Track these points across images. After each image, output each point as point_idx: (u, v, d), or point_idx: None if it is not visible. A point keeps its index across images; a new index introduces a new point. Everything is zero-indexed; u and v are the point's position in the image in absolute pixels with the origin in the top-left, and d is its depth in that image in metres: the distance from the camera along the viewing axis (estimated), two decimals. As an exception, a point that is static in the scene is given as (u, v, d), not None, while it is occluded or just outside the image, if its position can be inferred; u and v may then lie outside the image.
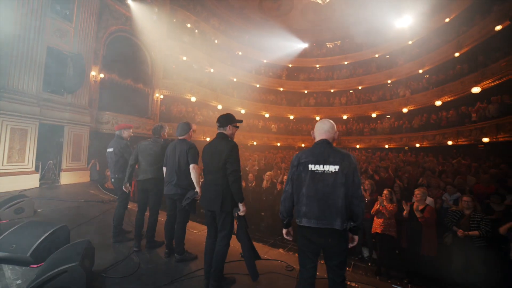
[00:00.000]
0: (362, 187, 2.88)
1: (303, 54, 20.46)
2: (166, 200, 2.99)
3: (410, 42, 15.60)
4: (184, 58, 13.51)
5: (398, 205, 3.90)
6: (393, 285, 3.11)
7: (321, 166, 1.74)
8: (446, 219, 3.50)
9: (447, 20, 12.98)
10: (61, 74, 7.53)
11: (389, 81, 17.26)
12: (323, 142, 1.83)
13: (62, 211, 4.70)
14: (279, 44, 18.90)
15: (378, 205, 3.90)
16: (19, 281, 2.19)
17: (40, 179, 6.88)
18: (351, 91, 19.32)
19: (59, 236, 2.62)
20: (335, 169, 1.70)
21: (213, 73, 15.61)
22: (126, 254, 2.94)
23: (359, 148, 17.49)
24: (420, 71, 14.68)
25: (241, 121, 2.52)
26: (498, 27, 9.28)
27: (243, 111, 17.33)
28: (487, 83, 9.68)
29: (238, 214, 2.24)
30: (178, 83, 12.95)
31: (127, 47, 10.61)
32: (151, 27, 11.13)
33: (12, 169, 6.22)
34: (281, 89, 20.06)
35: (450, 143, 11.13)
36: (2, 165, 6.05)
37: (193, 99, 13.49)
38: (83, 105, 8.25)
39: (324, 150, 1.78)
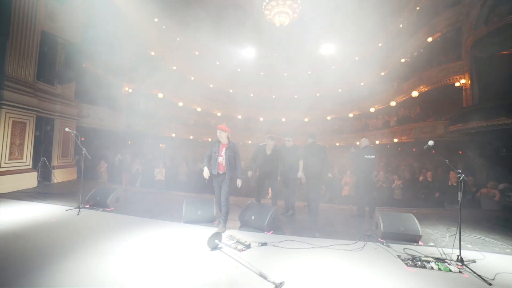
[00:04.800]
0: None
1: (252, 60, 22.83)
2: None
3: (333, 68, 20.61)
4: (152, 54, 13.20)
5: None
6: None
7: None
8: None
9: (380, 44, 17.51)
10: (53, 62, 6.85)
11: (318, 94, 22.23)
12: None
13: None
14: (231, 49, 20.40)
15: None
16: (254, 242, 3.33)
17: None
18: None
19: (276, 214, 3.99)
20: None
21: (176, 71, 15.68)
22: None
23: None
24: (340, 90, 19.92)
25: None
26: (402, 60, 14.01)
27: (199, 109, 18.06)
28: (399, 98, 14.55)
29: None
30: (146, 78, 12.64)
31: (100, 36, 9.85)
32: (120, 15, 10.59)
33: (13, 167, 5.60)
34: (231, 91, 21.78)
35: (377, 142, 15.70)
36: (5, 163, 5.41)
37: (160, 95, 13.41)
38: (71, 96, 7.61)
39: None
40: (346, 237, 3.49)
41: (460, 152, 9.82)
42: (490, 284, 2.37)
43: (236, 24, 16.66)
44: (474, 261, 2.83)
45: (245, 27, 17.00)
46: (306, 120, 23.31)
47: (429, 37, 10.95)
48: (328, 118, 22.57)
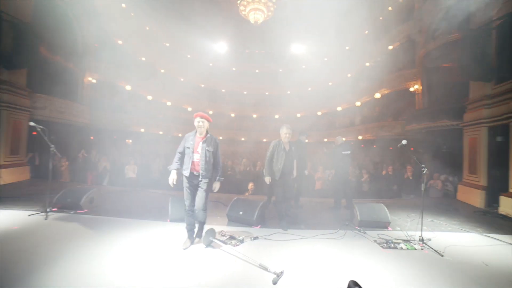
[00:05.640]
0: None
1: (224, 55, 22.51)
2: None
3: (303, 67, 21.46)
4: (120, 42, 12.19)
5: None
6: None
7: None
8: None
9: (347, 48, 18.45)
10: None
11: (288, 92, 22.91)
12: None
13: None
14: (203, 43, 19.86)
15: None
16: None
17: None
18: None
19: (263, 209, 4.11)
20: None
21: (145, 62, 14.73)
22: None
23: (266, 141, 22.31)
24: (309, 89, 20.85)
25: None
26: (367, 64, 15.18)
27: (169, 103, 17.32)
28: (363, 99, 15.73)
29: None
30: (111, 68, 11.67)
31: (57, 17, 8.80)
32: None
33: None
34: (202, 85, 21.26)
35: (344, 139, 16.93)
36: None
37: (128, 87, 12.51)
38: (22, 85, 6.70)
39: None
40: (328, 227, 3.83)
41: (412, 149, 11.18)
42: (442, 256, 2.95)
43: (209, 18, 16.22)
44: (430, 239, 3.38)
45: (218, 21, 16.67)
46: (276, 117, 23.92)
47: (390, 45, 12.16)
48: (298, 115, 23.49)
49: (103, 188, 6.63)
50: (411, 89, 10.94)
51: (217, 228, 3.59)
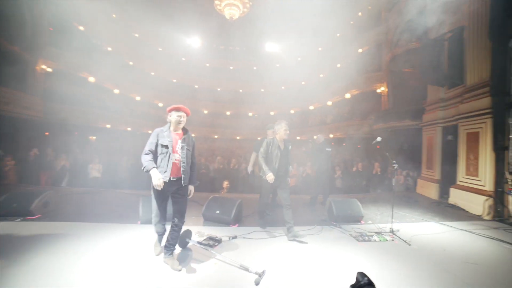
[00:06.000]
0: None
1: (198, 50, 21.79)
2: None
3: (277, 66, 21.71)
4: (81, 28, 11.02)
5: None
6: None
7: None
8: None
9: (320, 49, 18.96)
10: None
11: (262, 90, 23.02)
12: None
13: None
14: (176, 36, 19.01)
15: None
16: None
17: None
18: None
19: (240, 207, 4.00)
20: None
21: (111, 53, 13.57)
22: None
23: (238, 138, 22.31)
24: (283, 87, 21.19)
25: None
26: (338, 65, 15.92)
27: (138, 98, 16.30)
28: (334, 99, 16.30)
29: None
30: (71, 56, 10.54)
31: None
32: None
33: None
34: (174, 80, 20.38)
35: (315, 137, 17.50)
36: None
37: (91, 79, 11.43)
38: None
39: None
40: (306, 223, 3.89)
41: (378, 147, 12.01)
42: (410, 245, 3.18)
43: (183, 10, 15.56)
44: (398, 230, 3.63)
45: (192, 15, 16.06)
46: (250, 114, 23.94)
47: (359, 48, 12.85)
48: (271, 113, 23.76)
49: (62, 190, 5.96)
50: (378, 90, 11.71)
51: (193, 229, 3.42)
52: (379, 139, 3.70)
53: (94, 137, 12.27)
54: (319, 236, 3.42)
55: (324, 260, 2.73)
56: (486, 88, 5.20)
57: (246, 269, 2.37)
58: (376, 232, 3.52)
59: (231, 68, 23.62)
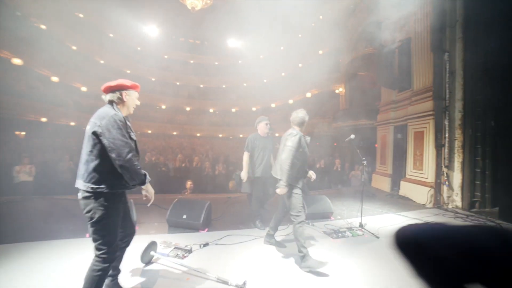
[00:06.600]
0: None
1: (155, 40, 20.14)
2: None
3: (239, 62, 21.48)
4: (18, 13, 8.93)
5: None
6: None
7: None
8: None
9: (282, 48, 19.22)
10: None
11: (224, 86, 22.55)
12: None
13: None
14: (131, 23, 17.18)
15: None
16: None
17: None
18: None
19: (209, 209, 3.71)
20: None
21: (49, 34, 11.42)
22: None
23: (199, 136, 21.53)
24: (245, 84, 21.09)
25: None
26: (300, 65, 16.49)
27: (84, 89, 14.28)
28: (296, 98, 16.73)
29: None
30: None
31: None
32: None
33: None
34: (128, 71, 18.49)
35: (277, 134, 17.69)
36: None
37: (16, 61, 9.44)
38: None
39: None
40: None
41: (335, 144, 12.82)
42: (378, 238, 3.34)
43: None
44: (365, 224, 3.80)
45: (150, 1, 14.67)
46: (211, 111, 23.30)
47: (320, 50, 13.45)
48: (233, 110, 23.51)
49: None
50: (337, 91, 12.46)
51: (157, 238, 3.01)
52: (352, 136, 3.81)
53: (23, 133, 10.22)
54: (293, 235, 3.36)
55: (300, 258, 2.64)
56: (429, 93, 5.86)
57: (225, 282, 2.12)
58: (347, 228, 3.62)
59: (192, 62, 22.55)
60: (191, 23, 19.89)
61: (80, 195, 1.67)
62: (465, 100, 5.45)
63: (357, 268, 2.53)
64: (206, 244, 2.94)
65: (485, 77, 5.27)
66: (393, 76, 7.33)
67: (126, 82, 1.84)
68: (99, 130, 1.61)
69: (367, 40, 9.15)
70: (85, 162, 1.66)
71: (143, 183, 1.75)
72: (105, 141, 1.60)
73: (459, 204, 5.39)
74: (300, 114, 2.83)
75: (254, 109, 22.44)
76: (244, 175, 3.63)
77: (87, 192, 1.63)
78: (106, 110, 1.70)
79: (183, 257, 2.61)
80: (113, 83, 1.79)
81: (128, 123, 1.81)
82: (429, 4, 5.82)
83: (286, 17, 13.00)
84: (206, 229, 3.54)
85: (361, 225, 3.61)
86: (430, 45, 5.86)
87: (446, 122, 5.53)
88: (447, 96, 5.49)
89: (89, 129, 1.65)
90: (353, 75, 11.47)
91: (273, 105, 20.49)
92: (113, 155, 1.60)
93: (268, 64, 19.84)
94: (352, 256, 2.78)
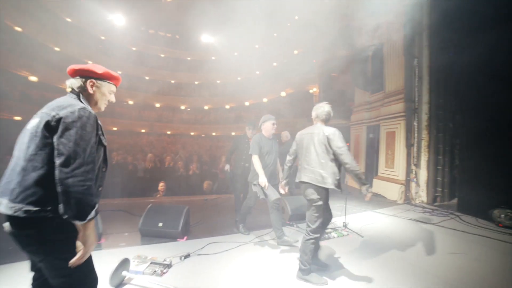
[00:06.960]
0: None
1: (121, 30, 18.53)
2: None
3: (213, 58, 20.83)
4: None
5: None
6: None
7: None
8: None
9: (256, 46, 18.86)
10: None
11: (196, 82, 21.73)
12: None
13: None
14: (94, 8, 15.50)
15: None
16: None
17: None
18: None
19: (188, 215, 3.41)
20: None
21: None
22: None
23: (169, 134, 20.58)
24: (218, 81, 20.58)
25: None
26: (275, 64, 16.40)
27: (34, 79, 12.53)
28: (270, 96, 16.68)
29: None
30: None
31: None
32: None
33: None
34: (89, 62, 16.73)
35: (233, 133, 17.44)
36: None
37: None
38: None
39: None
40: (263, 227, 3.63)
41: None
42: (362, 237, 3.35)
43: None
44: (348, 223, 3.82)
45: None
46: (182, 107, 22.33)
47: (295, 50, 13.60)
48: (206, 107, 22.82)
49: None
50: (311, 91, 12.73)
51: (129, 252, 2.62)
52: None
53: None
54: (280, 239, 3.21)
55: (293, 265, 2.51)
56: (400, 95, 6.19)
57: (213, 301, 1.89)
58: (332, 228, 3.59)
59: (162, 55, 21.32)
60: (162, 15, 18.74)
61: (7, 226, 1.07)
62: (430, 103, 5.85)
63: (354, 270, 2.48)
64: (187, 256, 2.64)
65: (447, 83, 5.75)
66: (366, 78, 7.65)
67: (97, 68, 1.32)
68: (54, 123, 1.10)
69: (341, 43, 9.41)
70: (21, 171, 1.08)
71: (83, 218, 1.06)
72: (56, 140, 1.07)
73: (424, 199, 5.79)
74: (326, 108, 2.47)
75: (227, 106, 22.00)
76: (262, 180, 3.03)
77: (19, 218, 1.03)
78: (68, 100, 1.21)
79: (162, 273, 2.28)
80: (79, 65, 1.31)
81: (99, 122, 1.26)
82: (401, 13, 6.16)
83: (261, 15, 12.87)
84: (185, 237, 3.22)
85: (345, 225, 3.62)
86: (403, 50, 6.20)
87: (415, 123, 5.89)
88: (416, 99, 5.84)
89: (37, 122, 1.14)
90: (326, 76, 11.80)
91: (247, 103, 20.30)
92: (58, 161, 1.04)
93: (243, 61, 19.56)
94: (343, 259, 2.74)
